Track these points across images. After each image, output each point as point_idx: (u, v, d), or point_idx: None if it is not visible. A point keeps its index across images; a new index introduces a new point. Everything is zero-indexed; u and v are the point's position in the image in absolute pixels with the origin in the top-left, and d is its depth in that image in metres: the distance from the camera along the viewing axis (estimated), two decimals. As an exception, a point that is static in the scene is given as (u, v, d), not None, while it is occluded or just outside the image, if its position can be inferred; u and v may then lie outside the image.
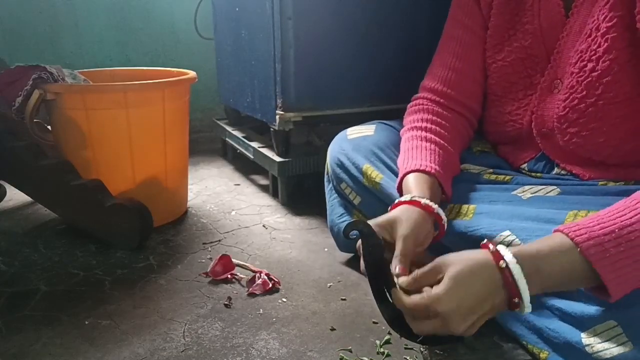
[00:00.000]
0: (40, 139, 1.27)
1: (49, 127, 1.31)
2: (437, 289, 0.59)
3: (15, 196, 1.48)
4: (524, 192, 0.81)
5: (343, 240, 1.10)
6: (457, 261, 0.60)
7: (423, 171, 0.81)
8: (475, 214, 0.80)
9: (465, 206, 0.82)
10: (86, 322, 0.91)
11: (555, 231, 0.59)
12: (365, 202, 1.02)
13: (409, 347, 0.82)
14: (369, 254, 0.70)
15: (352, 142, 1.04)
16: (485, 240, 0.62)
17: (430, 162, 0.82)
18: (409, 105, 1.00)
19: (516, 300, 0.57)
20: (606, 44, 0.73)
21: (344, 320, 0.91)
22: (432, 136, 0.88)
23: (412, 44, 1.41)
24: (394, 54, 1.40)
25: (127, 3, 2.05)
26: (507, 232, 0.72)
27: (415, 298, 0.61)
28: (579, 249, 0.55)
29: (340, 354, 0.81)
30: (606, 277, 0.54)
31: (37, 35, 1.94)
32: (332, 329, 0.88)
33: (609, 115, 0.75)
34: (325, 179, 1.14)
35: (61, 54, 1.98)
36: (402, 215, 0.73)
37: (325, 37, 1.32)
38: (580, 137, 0.79)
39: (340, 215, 1.08)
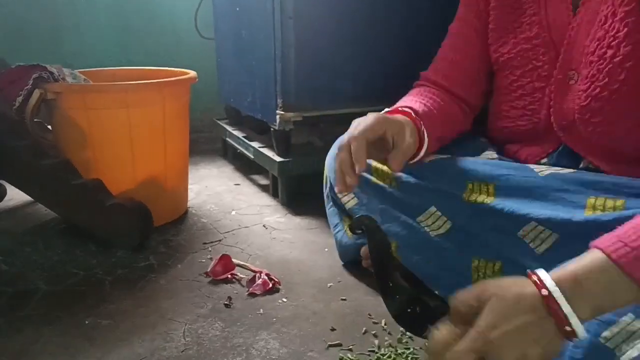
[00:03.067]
0: (40, 138, 1.26)
1: (49, 126, 1.31)
2: (482, 321, 0.54)
3: (16, 196, 1.48)
4: (540, 168, 0.79)
5: (343, 251, 1.10)
6: (498, 292, 0.55)
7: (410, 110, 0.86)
8: (496, 197, 0.79)
9: (484, 186, 0.81)
10: (86, 322, 0.91)
11: (593, 246, 0.55)
12: (362, 203, 1.01)
13: (408, 347, 0.82)
14: (375, 248, 0.69)
15: None
16: (529, 272, 0.57)
17: (417, 106, 0.87)
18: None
19: (567, 328, 0.53)
20: (626, 29, 0.71)
21: (344, 320, 0.91)
22: (428, 101, 0.91)
23: (413, 44, 1.41)
24: (395, 54, 1.40)
25: (127, 3, 2.05)
26: (534, 224, 0.73)
27: (466, 341, 0.55)
28: (620, 269, 0.52)
29: (340, 354, 0.81)
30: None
31: (38, 35, 1.94)
32: (333, 329, 0.88)
33: (634, 101, 0.74)
34: (325, 194, 1.13)
35: (62, 54, 1.98)
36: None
37: (326, 37, 1.32)
38: (605, 126, 0.77)
39: (335, 226, 1.08)
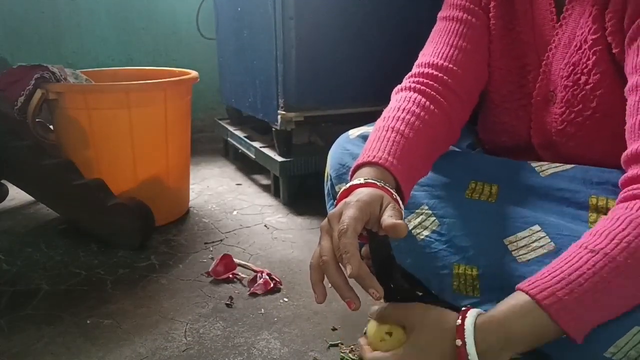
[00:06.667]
0: (42, 138, 1.27)
1: (51, 126, 1.31)
2: (404, 351, 0.60)
3: (18, 195, 1.48)
4: (542, 168, 0.78)
5: None
6: (421, 327, 0.60)
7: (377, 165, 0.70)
8: (499, 198, 0.77)
9: (487, 186, 0.79)
10: (88, 322, 0.91)
11: (517, 288, 0.58)
12: None
13: (411, 347, 0.82)
14: (376, 249, 0.69)
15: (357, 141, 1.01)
16: (465, 309, 0.60)
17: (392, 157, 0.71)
18: (395, 90, 0.88)
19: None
20: (594, 57, 0.71)
21: (345, 320, 0.91)
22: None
23: (414, 44, 1.40)
24: (396, 54, 1.40)
25: (129, 3, 2.05)
26: (537, 227, 0.71)
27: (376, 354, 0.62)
28: (537, 303, 0.54)
29: (342, 353, 0.81)
30: (565, 325, 0.53)
31: (40, 35, 1.94)
32: (334, 329, 0.88)
33: (608, 127, 0.74)
34: (326, 192, 1.10)
35: (63, 54, 1.98)
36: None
37: (327, 37, 1.32)
38: (581, 148, 0.77)
39: None
